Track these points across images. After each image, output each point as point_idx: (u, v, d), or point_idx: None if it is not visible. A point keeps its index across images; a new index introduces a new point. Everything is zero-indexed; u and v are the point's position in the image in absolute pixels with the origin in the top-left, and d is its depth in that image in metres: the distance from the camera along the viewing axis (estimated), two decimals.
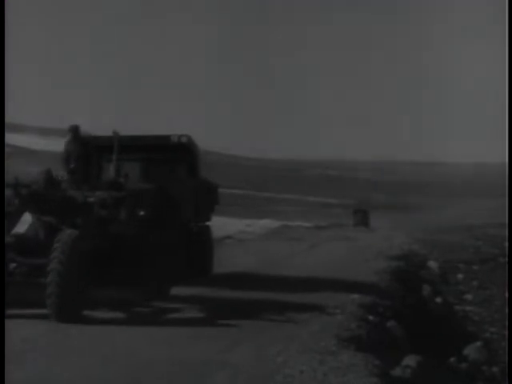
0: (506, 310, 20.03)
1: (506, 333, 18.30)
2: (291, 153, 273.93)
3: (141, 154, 16.16)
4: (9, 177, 12.47)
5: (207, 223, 18.12)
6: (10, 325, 10.33)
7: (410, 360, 10.97)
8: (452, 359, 14.90)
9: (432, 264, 28.90)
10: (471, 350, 16.25)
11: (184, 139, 16.25)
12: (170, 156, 16.42)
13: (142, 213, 13.58)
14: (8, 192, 12.20)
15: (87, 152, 15.19)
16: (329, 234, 40.27)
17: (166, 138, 16.23)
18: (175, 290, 13.75)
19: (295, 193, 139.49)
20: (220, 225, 39.87)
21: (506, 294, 21.66)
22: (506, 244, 33.21)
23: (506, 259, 28.05)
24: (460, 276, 27.43)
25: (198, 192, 16.77)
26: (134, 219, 13.36)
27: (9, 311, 10.96)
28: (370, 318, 13.40)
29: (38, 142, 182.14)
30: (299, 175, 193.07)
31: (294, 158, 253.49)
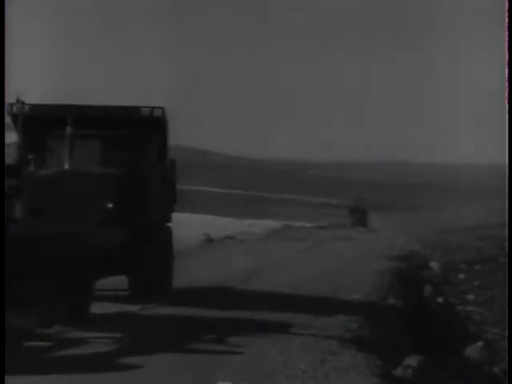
0: (507, 311, 20.00)
1: (506, 333, 18.27)
2: (291, 153, 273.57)
3: (102, 129, 13.32)
4: None
5: (167, 224, 14.67)
6: None
7: (412, 360, 10.96)
8: (453, 359, 14.88)
9: (433, 264, 28.90)
10: (472, 351, 16.22)
11: (158, 112, 13.48)
12: (138, 133, 13.51)
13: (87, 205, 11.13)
14: None
15: None
16: (330, 235, 40.25)
17: (136, 109, 13.49)
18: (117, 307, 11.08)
19: (295, 193, 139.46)
20: (221, 225, 40.05)
21: (507, 296, 21.62)
22: (506, 244, 33.17)
23: (506, 259, 28.03)
24: (461, 276, 27.41)
25: (165, 181, 14.02)
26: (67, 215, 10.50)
27: None
28: (372, 318, 13.38)
29: None
30: (299, 175, 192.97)
31: (294, 159, 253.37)
